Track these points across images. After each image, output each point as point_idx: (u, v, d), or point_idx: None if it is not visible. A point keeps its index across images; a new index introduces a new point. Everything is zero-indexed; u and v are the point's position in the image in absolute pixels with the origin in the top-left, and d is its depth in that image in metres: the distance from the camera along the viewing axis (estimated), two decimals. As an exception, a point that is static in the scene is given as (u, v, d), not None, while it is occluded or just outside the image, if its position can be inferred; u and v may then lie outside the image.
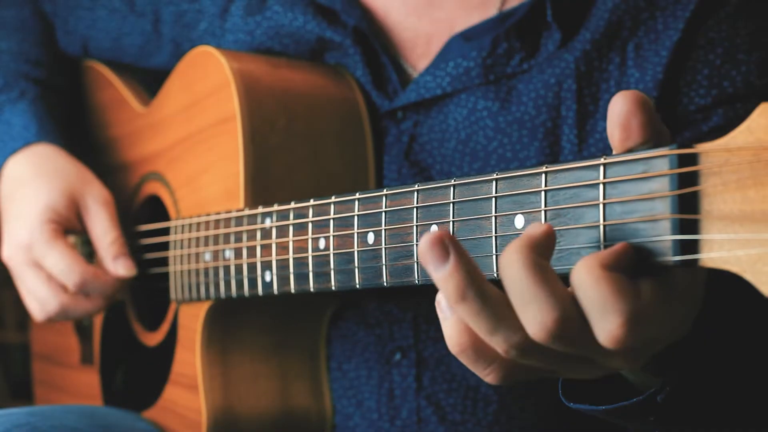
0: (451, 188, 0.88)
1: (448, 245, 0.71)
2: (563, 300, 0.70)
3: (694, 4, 1.20)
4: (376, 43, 1.32)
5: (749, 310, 0.88)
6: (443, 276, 0.71)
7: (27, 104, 1.51)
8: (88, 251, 1.46)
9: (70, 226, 1.42)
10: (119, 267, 1.39)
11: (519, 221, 0.81)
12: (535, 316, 0.70)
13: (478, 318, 0.72)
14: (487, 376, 0.77)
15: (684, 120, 1.21)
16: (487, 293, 0.72)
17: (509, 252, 0.71)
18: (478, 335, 0.74)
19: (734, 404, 0.90)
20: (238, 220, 1.19)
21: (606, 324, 0.69)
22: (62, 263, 1.36)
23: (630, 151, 0.74)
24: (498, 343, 0.73)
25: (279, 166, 1.24)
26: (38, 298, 1.40)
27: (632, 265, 0.72)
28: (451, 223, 0.88)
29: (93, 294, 1.39)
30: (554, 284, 0.70)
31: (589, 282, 0.69)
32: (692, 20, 1.20)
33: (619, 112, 0.74)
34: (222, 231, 1.22)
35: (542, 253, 0.71)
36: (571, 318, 0.70)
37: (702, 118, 1.20)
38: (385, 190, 0.95)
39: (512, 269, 0.70)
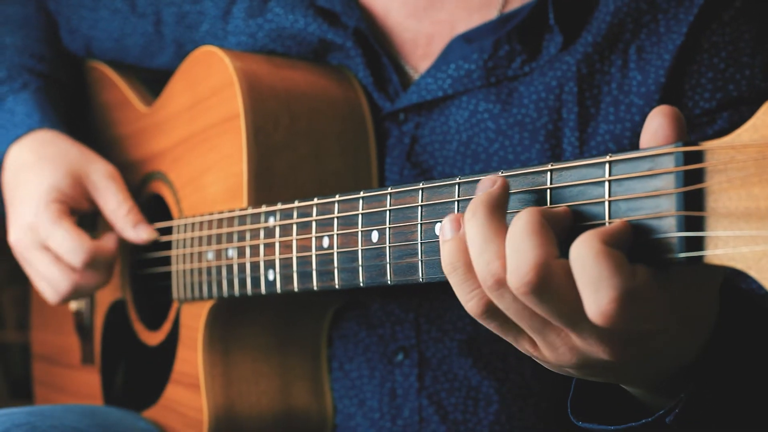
0: (456, 186, 0.88)
1: (497, 179, 0.81)
2: (548, 252, 0.73)
3: (698, 8, 1.19)
4: (376, 45, 1.32)
5: (762, 337, 0.88)
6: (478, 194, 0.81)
7: (29, 94, 1.51)
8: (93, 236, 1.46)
9: (77, 206, 1.42)
10: (141, 232, 1.38)
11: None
12: (518, 256, 0.74)
13: (475, 236, 0.78)
14: (468, 302, 0.81)
15: (689, 123, 1.21)
16: (493, 219, 0.78)
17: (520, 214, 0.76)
18: (470, 256, 0.80)
19: (745, 425, 0.90)
20: (241, 219, 1.19)
21: (598, 297, 0.70)
22: (68, 242, 1.35)
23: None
24: (480, 266, 0.77)
25: (282, 166, 1.24)
26: (49, 281, 1.39)
27: (630, 245, 0.73)
28: (455, 221, 0.88)
29: (101, 267, 1.39)
30: (548, 238, 0.74)
31: (588, 255, 0.70)
32: (695, 24, 1.20)
33: (656, 125, 0.76)
34: (225, 230, 1.22)
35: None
36: (552, 273, 0.73)
37: (707, 121, 1.20)
38: (389, 189, 0.95)
39: (516, 222, 0.75)
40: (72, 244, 1.35)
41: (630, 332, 0.75)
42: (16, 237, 1.40)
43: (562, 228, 0.77)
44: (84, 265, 1.36)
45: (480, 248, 0.77)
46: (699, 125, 1.21)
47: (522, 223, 0.75)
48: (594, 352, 0.77)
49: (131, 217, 1.39)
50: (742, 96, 1.19)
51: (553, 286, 0.73)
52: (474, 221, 0.78)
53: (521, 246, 0.74)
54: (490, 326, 0.83)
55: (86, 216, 1.49)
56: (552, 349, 0.80)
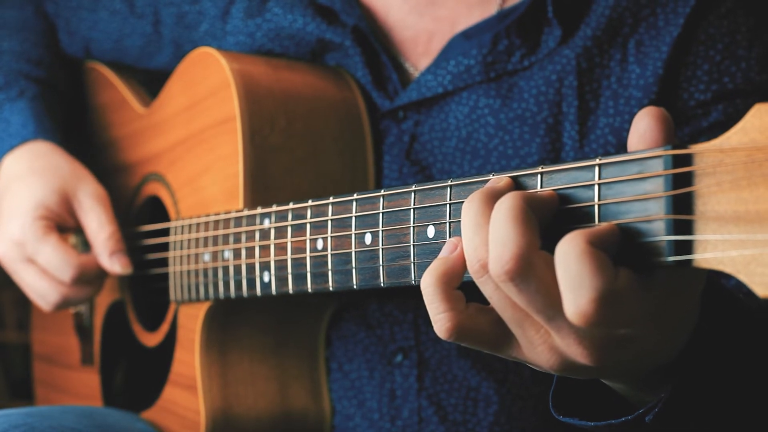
0: (448, 189, 0.88)
1: (503, 178, 0.83)
2: (530, 242, 0.73)
3: (695, 0, 1.20)
4: (375, 43, 1.32)
5: (744, 336, 0.88)
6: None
7: (26, 102, 1.51)
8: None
9: (62, 223, 1.42)
10: (115, 264, 1.39)
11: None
12: (500, 244, 0.74)
13: (468, 222, 0.78)
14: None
15: (684, 115, 1.21)
16: (487, 208, 0.78)
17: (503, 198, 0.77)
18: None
19: (724, 423, 0.90)
20: (237, 221, 1.19)
21: (577, 297, 0.70)
22: (56, 259, 1.36)
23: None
24: (469, 252, 0.78)
25: (278, 167, 1.24)
26: (38, 293, 1.40)
27: (617, 247, 0.73)
28: (448, 224, 0.88)
29: (91, 280, 1.40)
30: (530, 228, 0.74)
31: (571, 254, 0.70)
32: (692, 16, 1.20)
33: (644, 127, 0.75)
34: (221, 232, 1.22)
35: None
36: (533, 264, 0.73)
37: (702, 113, 1.20)
38: (382, 191, 0.95)
39: (499, 208, 0.75)
40: (60, 261, 1.36)
41: (608, 336, 0.75)
42: (2, 251, 1.41)
43: (547, 212, 0.77)
44: (73, 280, 1.36)
45: (471, 234, 0.78)
46: (694, 117, 1.21)
47: (504, 209, 0.74)
48: (572, 353, 0.77)
49: (109, 244, 1.39)
50: (737, 88, 1.19)
51: (534, 277, 0.73)
52: (469, 207, 0.79)
53: (503, 235, 0.74)
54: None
55: None
56: (530, 348, 0.80)
